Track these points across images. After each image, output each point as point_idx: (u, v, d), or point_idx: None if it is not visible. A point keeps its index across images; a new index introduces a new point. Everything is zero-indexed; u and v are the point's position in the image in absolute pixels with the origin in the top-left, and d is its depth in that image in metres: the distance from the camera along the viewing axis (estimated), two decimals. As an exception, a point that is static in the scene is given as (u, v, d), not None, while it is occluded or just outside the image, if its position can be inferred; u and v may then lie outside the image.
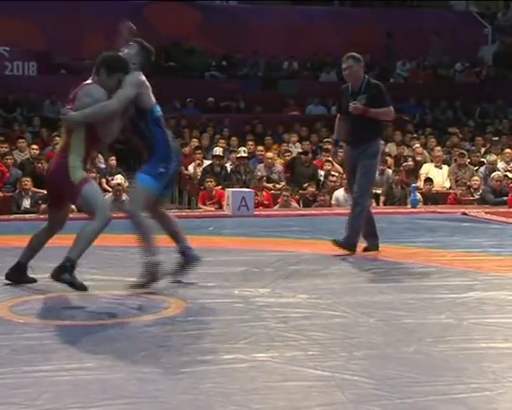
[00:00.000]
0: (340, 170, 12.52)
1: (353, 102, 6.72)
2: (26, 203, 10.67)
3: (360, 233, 6.86)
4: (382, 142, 7.35)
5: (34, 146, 12.56)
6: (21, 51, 17.92)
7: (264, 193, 11.72)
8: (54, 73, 17.70)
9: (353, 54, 6.87)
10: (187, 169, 13.50)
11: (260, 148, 13.64)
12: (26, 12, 17.89)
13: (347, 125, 6.91)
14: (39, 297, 5.05)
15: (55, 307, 4.82)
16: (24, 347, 4.00)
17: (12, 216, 9.70)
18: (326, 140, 14.05)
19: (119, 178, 11.31)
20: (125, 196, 11.32)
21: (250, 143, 14.16)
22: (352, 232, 6.78)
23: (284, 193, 11.15)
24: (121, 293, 5.13)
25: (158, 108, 5.39)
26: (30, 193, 10.72)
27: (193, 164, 13.28)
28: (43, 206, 10.57)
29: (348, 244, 6.77)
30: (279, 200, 11.34)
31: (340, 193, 11.38)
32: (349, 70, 6.81)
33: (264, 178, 12.26)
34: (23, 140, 13.32)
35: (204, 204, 11.60)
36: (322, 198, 11.37)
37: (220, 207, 10.98)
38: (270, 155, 13.10)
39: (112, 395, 3.33)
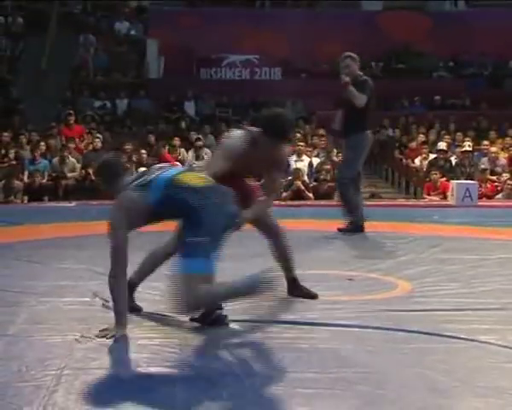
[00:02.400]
0: None
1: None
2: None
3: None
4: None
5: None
6: (268, 59, 18.50)
7: (488, 185, 11.23)
8: (295, 77, 18.10)
9: (350, 54, 7.00)
10: (413, 162, 13.29)
11: (485, 142, 13.09)
12: (273, 24, 18.43)
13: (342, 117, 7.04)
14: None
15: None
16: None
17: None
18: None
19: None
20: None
21: (469, 138, 13.63)
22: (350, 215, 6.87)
23: (509, 182, 10.65)
24: (353, 273, 5.11)
25: None
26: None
27: (419, 157, 13.04)
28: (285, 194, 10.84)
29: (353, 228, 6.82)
30: (500, 188, 10.87)
31: None
32: (348, 69, 6.91)
33: (488, 170, 11.74)
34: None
35: (429, 194, 11.36)
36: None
37: (444, 198, 10.66)
38: (494, 149, 12.53)
39: (343, 363, 3.34)
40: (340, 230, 6.91)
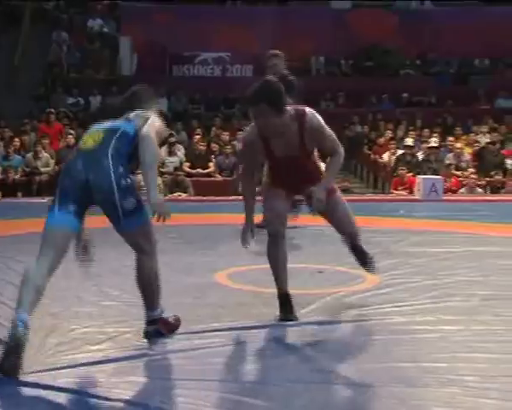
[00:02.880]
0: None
1: None
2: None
3: None
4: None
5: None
6: (240, 56, 18.48)
7: (452, 180, 11.36)
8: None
9: (276, 52, 6.57)
10: (381, 158, 13.38)
11: (450, 138, 13.22)
12: (245, 21, 18.42)
13: None
14: (256, 267, 5.12)
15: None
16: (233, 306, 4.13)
17: (231, 198, 10.01)
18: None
19: (320, 166, 11.38)
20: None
21: (437, 134, 13.78)
22: None
23: (472, 176, 10.84)
24: (323, 266, 5.13)
25: None
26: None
27: (387, 153, 13.13)
28: (259, 189, 10.84)
29: None
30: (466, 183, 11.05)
31: (527, 181, 10.77)
32: (274, 69, 6.43)
33: (453, 165, 11.87)
34: (241, 132, 13.76)
35: (396, 189, 11.44)
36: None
37: (411, 193, 10.75)
38: (459, 145, 12.68)
39: (313, 355, 3.35)
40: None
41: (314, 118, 3.86)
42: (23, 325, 3.06)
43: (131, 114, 3.54)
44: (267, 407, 2.76)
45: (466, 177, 11.55)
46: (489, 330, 3.70)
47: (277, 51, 6.75)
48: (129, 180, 3.34)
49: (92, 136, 3.45)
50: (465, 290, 4.52)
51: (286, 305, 3.89)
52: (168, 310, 3.59)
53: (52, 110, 13.77)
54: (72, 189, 3.37)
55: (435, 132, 13.98)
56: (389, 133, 14.15)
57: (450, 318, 3.92)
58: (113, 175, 3.30)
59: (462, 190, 10.99)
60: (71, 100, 16.36)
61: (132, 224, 3.36)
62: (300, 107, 3.90)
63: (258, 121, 3.83)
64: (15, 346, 3.01)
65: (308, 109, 3.91)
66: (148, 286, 3.50)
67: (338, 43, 18.46)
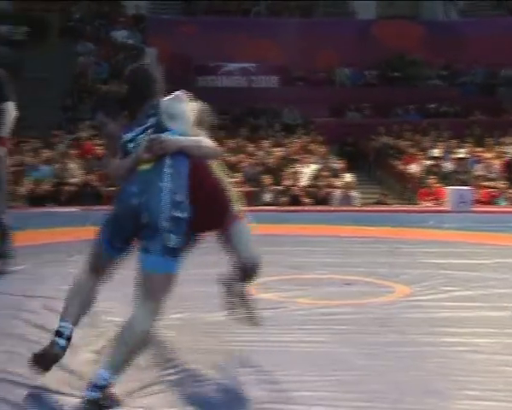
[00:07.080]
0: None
1: None
2: (267, 197, 11.01)
3: None
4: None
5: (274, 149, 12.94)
6: (265, 67, 18.52)
7: (481, 191, 11.26)
8: (292, 85, 18.12)
9: None
10: (409, 168, 13.31)
11: (479, 149, 13.12)
12: (269, 32, 18.47)
13: None
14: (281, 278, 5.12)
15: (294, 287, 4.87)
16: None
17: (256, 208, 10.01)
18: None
19: (347, 177, 11.35)
20: (353, 192, 11.34)
21: (469, 144, 13.68)
22: None
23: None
24: (351, 278, 5.09)
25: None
26: (270, 188, 11.09)
27: (414, 164, 13.07)
28: (283, 199, 10.83)
29: None
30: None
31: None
32: None
33: (482, 177, 11.77)
34: (267, 142, 13.81)
35: (424, 200, 11.37)
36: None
37: (439, 204, 10.68)
38: (488, 155, 12.57)
39: (341, 367, 3.32)
40: None
41: None
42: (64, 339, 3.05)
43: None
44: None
45: (495, 187, 11.47)
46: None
47: None
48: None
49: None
50: (496, 302, 4.46)
51: None
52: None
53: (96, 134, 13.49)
54: None
55: (467, 143, 13.88)
56: (416, 144, 14.08)
57: (482, 330, 3.87)
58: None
59: (503, 202, 10.94)
60: (98, 111, 16.46)
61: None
62: None
63: None
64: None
65: None
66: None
67: (363, 54, 18.42)
